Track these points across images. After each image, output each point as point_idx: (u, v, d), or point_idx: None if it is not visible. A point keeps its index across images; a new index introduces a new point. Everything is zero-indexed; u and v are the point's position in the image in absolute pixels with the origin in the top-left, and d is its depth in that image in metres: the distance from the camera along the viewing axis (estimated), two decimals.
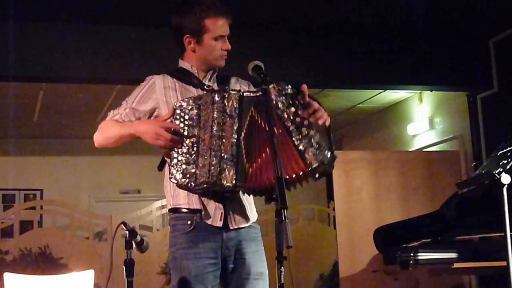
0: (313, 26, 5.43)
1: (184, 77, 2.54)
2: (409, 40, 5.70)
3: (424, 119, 6.89)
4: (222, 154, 2.30)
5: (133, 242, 2.47)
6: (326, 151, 2.32)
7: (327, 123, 2.37)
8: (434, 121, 6.81)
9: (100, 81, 5.63)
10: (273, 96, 2.33)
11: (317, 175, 2.31)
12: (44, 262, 6.66)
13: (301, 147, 2.31)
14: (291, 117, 2.33)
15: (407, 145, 7.28)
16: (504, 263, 3.24)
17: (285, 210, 2.04)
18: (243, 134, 2.34)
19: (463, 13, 5.28)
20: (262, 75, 2.35)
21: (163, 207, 7.46)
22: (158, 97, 2.50)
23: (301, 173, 2.31)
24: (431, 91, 6.54)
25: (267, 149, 2.28)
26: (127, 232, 2.46)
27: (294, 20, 5.31)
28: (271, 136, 2.19)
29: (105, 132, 2.55)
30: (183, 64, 2.59)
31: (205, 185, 2.31)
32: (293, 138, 2.31)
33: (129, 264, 2.43)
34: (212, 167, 2.29)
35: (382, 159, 6.12)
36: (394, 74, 5.76)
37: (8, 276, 3.61)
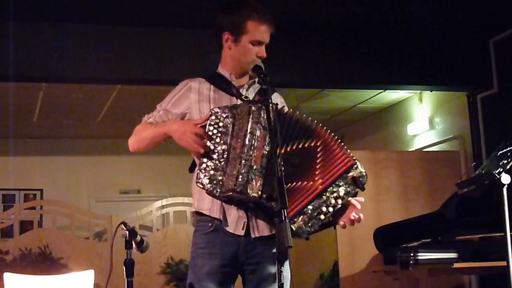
0: (313, 26, 5.43)
1: (222, 84, 2.55)
2: (409, 40, 5.70)
3: (424, 119, 6.89)
4: (252, 164, 2.30)
5: (133, 242, 2.47)
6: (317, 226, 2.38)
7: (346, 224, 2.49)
8: (434, 121, 6.81)
9: (100, 81, 5.63)
10: (351, 172, 2.41)
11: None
12: (44, 262, 6.65)
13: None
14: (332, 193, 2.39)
15: (407, 145, 7.28)
16: (504, 263, 3.24)
17: (285, 210, 2.04)
18: (277, 149, 2.29)
19: (463, 13, 5.28)
20: (262, 75, 2.35)
21: (163, 207, 7.46)
22: (192, 103, 2.52)
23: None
24: (431, 91, 6.53)
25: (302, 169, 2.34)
26: (127, 232, 2.46)
27: (294, 20, 5.30)
28: (271, 137, 2.20)
29: (140, 134, 2.55)
30: (222, 71, 2.59)
31: (230, 193, 2.31)
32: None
33: (129, 264, 2.43)
34: (240, 176, 2.29)
35: (382, 159, 6.12)
36: (394, 74, 5.76)
37: (8, 276, 3.61)
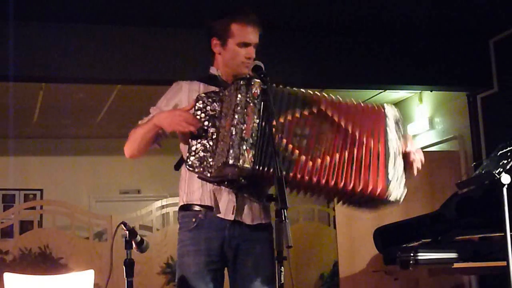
0: (313, 26, 5.43)
1: (213, 82, 2.58)
2: (409, 40, 5.70)
3: (424, 119, 6.89)
4: (243, 136, 2.29)
5: (133, 242, 2.47)
6: (403, 188, 2.49)
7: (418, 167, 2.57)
8: (434, 121, 6.81)
9: (100, 81, 5.63)
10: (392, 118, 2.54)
11: (390, 196, 2.43)
12: (44, 262, 6.65)
13: (390, 175, 2.43)
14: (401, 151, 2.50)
15: None
16: (504, 263, 3.24)
17: (285, 210, 2.04)
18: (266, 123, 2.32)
19: (463, 13, 5.28)
20: (262, 75, 2.35)
21: (163, 207, 7.46)
22: (182, 96, 2.55)
23: (378, 190, 2.40)
24: (431, 91, 6.53)
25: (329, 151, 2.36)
26: (127, 232, 2.46)
27: (294, 20, 5.31)
28: (270, 136, 2.21)
29: (131, 137, 2.56)
30: (213, 70, 2.64)
31: (222, 167, 2.30)
32: (388, 163, 2.43)
33: (129, 264, 2.43)
34: (231, 149, 2.27)
35: None
36: (394, 74, 5.76)
37: (8, 276, 3.61)
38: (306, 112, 2.39)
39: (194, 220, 2.46)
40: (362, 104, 2.49)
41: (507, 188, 3.24)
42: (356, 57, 5.61)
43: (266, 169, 2.27)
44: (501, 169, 3.25)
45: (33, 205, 8.08)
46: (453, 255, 4.35)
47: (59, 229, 7.27)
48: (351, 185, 2.35)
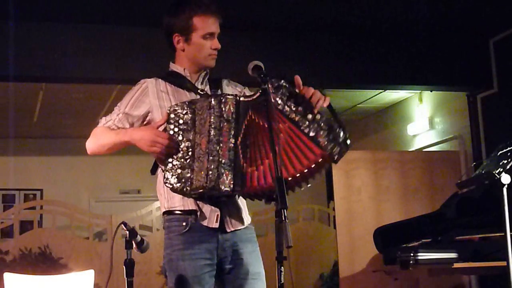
0: (313, 26, 5.43)
1: (177, 80, 2.54)
2: (409, 40, 5.70)
3: (424, 119, 6.89)
4: (220, 159, 2.29)
5: (133, 242, 2.47)
6: (338, 130, 2.31)
7: (327, 103, 2.36)
8: (434, 121, 6.81)
9: (100, 81, 5.63)
10: (271, 94, 2.32)
11: (336, 157, 2.30)
12: (44, 262, 6.66)
13: (311, 133, 2.29)
14: (293, 108, 2.33)
15: (407, 145, 7.28)
16: (504, 263, 3.24)
17: (285, 210, 2.03)
18: (239, 139, 2.33)
19: (463, 13, 5.28)
20: (262, 75, 2.34)
21: None
22: (151, 100, 2.49)
23: (320, 159, 2.30)
24: (431, 91, 6.53)
25: (270, 152, 2.25)
26: (127, 232, 2.45)
27: (294, 20, 5.31)
28: (271, 136, 2.19)
29: (99, 140, 2.55)
30: (175, 67, 2.59)
31: (201, 190, 2.31)
32: (302, 127, 2.30)
33: (129, 264, 2.43)
34: (210, 172, 2.28)
35: (382, 159, 6.12)
36: (394, 74, 5.77)
37: (8, 276, 3.61)
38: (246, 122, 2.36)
39: (185, 224, 2.43)
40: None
41: (507, 188, 3.24)
42: (356, 57, 5.61)
43: (243, 189, 2.29)
44: (501, 169, 3.25)
45: (33, 205, 8.09)
46: (453, 255, 4.35)
47: (59, 229, 7.27)
48: (295, 169, 2.30)
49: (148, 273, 6.92)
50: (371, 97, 7.27)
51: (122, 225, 2.46)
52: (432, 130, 6.83)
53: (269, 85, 2.31)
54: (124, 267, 2.43)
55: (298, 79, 2.37)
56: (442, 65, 5.76)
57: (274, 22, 5.32)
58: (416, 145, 7.11)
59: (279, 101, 2.34)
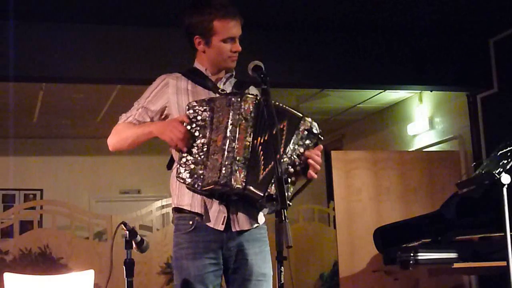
0: (313, 25, 5.43)
1: (199, 79, 2.55)
2: (409, 40, 5.70)
3: (424, 119, 6.89)
4: (235, 156, 2.29)
5: (133, 242, 2.47)
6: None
7: (312, 176, 2.39)
8: (434, 121, 6.81)
9: (100, 81, 5.63)
10: (301, 126, 2.38)
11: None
12: (44, 262, 6.65)
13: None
14: (292, 152, 2.36)
15: (407, 145, 7.28)
16: (504, 263, 3.24)
17: (285, 210, 2.04)
18: (259, 138, 2.33)
19: (463, 13, 5.28)
20: (262, 75, 2.34)
21: (163, 207, 7.45)
22: (170, 96, 2.51)
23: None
24: (431, 91, 6.53)
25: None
26: (127, 232, 2.46)
27: (294, 19, 5.31)
28: (271, 136, 2.19)
29: (122, 134, 2.53)
30: (198, 65, 2.60)
31: (213, 186, 2.30)
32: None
33: (129, 264, 2.43)
34: (224, 168, 2.28)
35: (382, 159, 6.12)
36: (394, 74, 5.76)
37: (8, 276, 3.61)
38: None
39: (191, 222, 2.44)
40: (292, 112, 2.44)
41: (507, 188, 3.24)
42: (356, 57, 5.61)
43: (257, 189, 2.28)
44: (501, 169, 3.25)
45: (33, 205, 8.08)
46: (453, 255, 4.36)
47: (59, 229, 7.26)
48: None
49: (148, 273, 6.92)
50: (371, 97, 7.27)
51: (122, 225, 2.46)
52: (432, 130, 6.83)
53: (308, 121, 2.41)
54: (124, 267, 2.43)
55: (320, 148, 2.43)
56: (442, 65, 5.76)
57: (274, 22, 5.32)
58: (416, 145, 7.11)
59: (295, 137, 2.39)
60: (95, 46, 5.16)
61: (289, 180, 2.34)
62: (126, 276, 2.43)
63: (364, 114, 8.12)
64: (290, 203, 2.27)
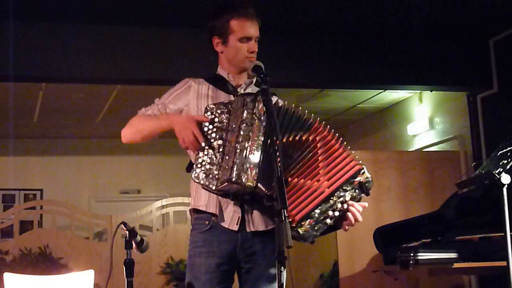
0: (313, 26, 5.42)
1: (220, 84, 2.59)
2: (409, 40, 5.70)
3: (424, 119, 6.89)
4: (247, 154, 2.30)
5: (133, 242, 2.47)
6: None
7: (345, 229, 2.44)
8: (434, 121, 6.81)
9: (100, 81, 5.63)
10: (358, 177, 2.43)
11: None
12: (44, 262, 6.65)
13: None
14: (339, 197, 2.38)
15: (407, 145, 7.28)
16: (504, 263, 3.24)
17: (285, 210, 2.04)
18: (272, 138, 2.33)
19: (463, 13, 5.28)
20: (262, 75, 2.36)
21: (163, 207, 7.46)
22: (190, 100, 2.56)
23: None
24: (431, 91, 6.53)
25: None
26: (127, 232, 2.46)
27: (294, 20, 5.31)
28: (271, 136, 2.19)
29: (138, 125, 2.56)
30: (220, 71, 2.64)
31: (226, 183, 2.31)
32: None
33: (129, 264, 2.43)
34: (235, 166, 2.29)
35: (382, 159, 6.12)
36: (394, 74, 5.76)
37: (8, 276, 3.61)
38: (303, 137, 2.40)
39: (207, 222, 2.47)
40: (347, 152, 2.45)
41: (507, 188, 3.24)
42: (356, 57, 5.61)
43: (267, 188, 2.28)
44: (501, 169, 3.25)
45: (33, 205, 8.08)
46: (453, 255, 4.35)
47: (59, 229, 7.27)
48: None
49: (148, 273, 6.92)
50: (371, 97, 7.27)
51: (122, 225, 2.46)
52: (432, 130, 6.83)
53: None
54: (124, 267, 2.43)
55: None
56: (442, 65, 5.76)
57: (274, 22, 5.31)
58: (416, 145, 7.11)
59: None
60: (95, 46, 5.16)
61: (325, 221, 2.33)
62: (126, 276, 2.43)
63: (364, 114, 8.12)
64: (314, 241, 2.31)
